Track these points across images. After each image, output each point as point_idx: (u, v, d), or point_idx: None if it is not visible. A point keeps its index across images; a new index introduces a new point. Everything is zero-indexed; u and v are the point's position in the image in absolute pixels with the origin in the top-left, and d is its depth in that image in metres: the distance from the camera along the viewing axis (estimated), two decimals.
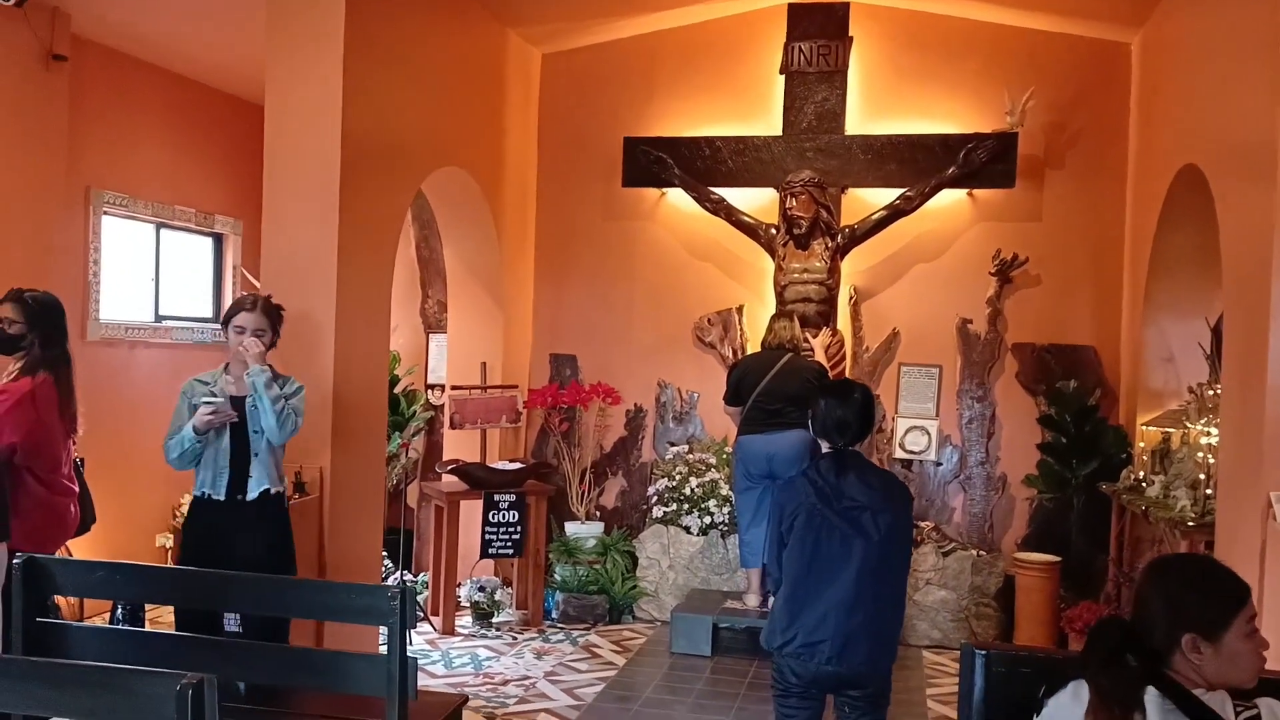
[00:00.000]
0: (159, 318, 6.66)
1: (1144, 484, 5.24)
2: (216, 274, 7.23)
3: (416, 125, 5.25)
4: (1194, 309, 5.60)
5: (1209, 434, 4.68)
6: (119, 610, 4.85)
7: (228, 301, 7.19)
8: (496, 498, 5.81)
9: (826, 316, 6.21)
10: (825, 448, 3.10)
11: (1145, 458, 5.42)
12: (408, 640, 2.68)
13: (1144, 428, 5.55)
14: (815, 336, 6.12)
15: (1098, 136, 6.31)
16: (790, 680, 2.99)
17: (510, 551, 5.86)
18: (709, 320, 6.78)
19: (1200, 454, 4.47)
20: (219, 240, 7.19)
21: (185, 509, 6.46)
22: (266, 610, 3.07)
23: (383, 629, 4.69)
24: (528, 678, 5.07)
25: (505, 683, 4.98)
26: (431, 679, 4.97)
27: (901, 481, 3.17)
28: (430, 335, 7.22)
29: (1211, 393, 4.92)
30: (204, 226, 6.93)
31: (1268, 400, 3.58)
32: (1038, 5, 6.06)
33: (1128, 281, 6.20)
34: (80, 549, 5.92)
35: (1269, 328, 3.60)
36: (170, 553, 6.53)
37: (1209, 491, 4.31)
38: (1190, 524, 4.22)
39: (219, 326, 6.98)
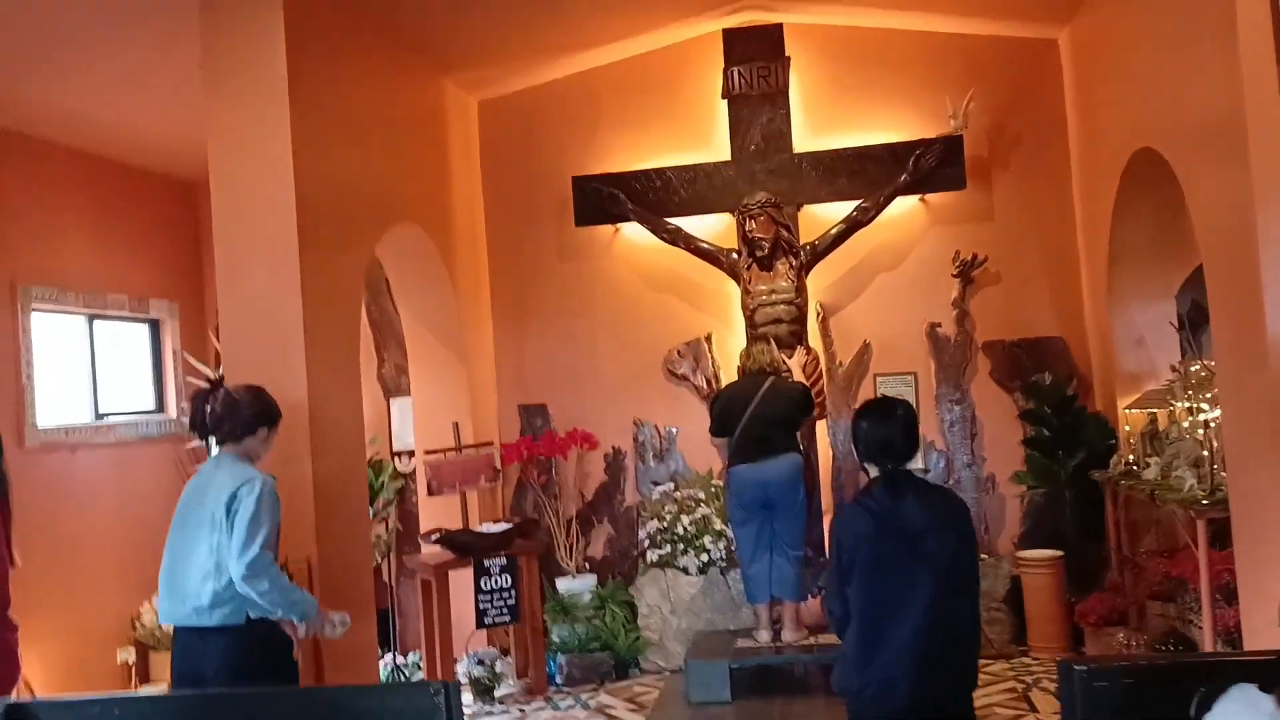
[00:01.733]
0: (99, 415, 6.26)
1: (1137, 468, 5.24)
2: (155, 362, 6.85)
3: (367, 183, 5.04)
4: (1158, 290, 5.67)
5: (1201, 410, 4.69)
6: None
7: (171, 391, 6.82)
8: (487, 563, 5.54)
9: (799, 336, 6.13)
10: (874, 473, 2.96)
11: (1133, 441, 5.43)
12: None
13: (1126, 411, 5.56)
14: (790, 357, 6.03)
15: (1038, 133, 6.39)
16: None
17: (507, 618, 5.60)
18: (678, 352, 6.65)
19: (1199, 431, 4.46)
20: (155, 326, 6.82)
21: (148, 620, 6.10)
22: None
23: None
24: None
25: None
26: None
27: (959, 497, 3.04)
28: (390, 400, 6.94)
29: (1195, 368, 4.95)
30: (138, 313, 6.57)
31: (1271, 373, 3.56)
32: (963, 9, 6.14)
33: (1085, 269, 6.26)
34: (35, 674, 5.49)
35: (1265, 302, 3.59)
36: (134, 668, 6.10)
37: (1215, 469, 4.29)
38: (1205, 503, 4.20)
39: (169, 417, 6.66)
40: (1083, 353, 6.28)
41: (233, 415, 3.33)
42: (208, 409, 3.36)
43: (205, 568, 3.21)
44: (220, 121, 4.24)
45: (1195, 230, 4.17)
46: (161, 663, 6.15)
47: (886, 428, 2.91)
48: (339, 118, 4.75)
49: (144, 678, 6.18)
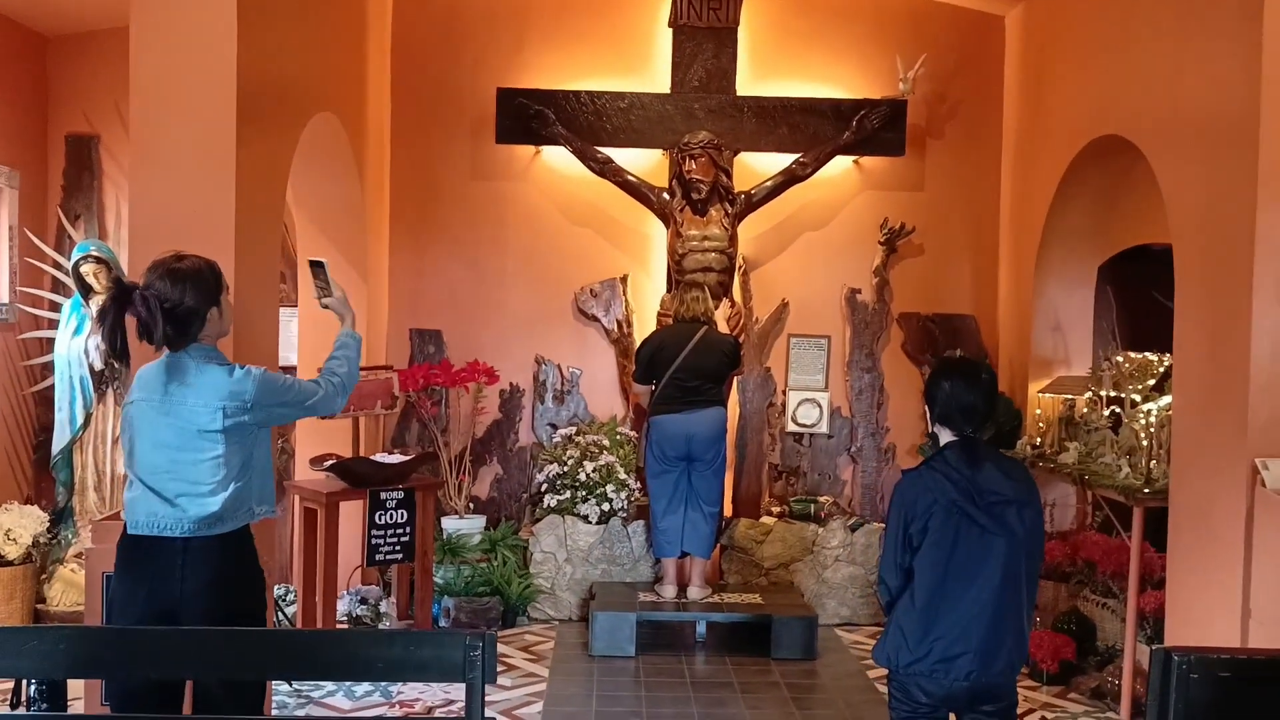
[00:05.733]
0: None
1: (1048, 451, 5.36)
2: None
3: (299, 61, 4.39)
4: (1080, 277, 5.79)
5: (1133, 401, 4.81)
6: (30, 688, 3.71)
7: (4, 271, 5.87)
8: (383, 495, 5.07)
9: (727, 287, 5.92)
10: (946, 437, 2.78)
11: (1042, 425, 5.55)
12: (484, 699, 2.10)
13: (1040, 395, 5.68)
14: (716, 309, 5.81)
15: (974, 108, 6.39)
16: (919, 701, 2.68)
17: (400, 556, 5.14)
18: (591, 291, 6.30)
19: (1139, 420, 4.56)
20: None
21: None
22: (289, 674, 2.33)
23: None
24: (450, 701, 4.46)
25: (429, 711, 4.35)
26: (342, 715, 4.26)
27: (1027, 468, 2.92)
28: None
29: (1119, 359, 5.07)
30: None
31: (1252, 370, 3.63)
32: None
33: (1006, 251, 6.33)
34: None
35: (1251, 301, 3.65)
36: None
37: (1154, 461, 4.39)
38: (1146, 492, 4.29)
39: (2, 301, 5.73)
40: (991, 333, 6.38)
41: (173, 317, 2.65)
42: (133, 322, 2.64)
43: (213, 479, 2.72)
44: None
45: (1168, 220, 4.19)
46: None
47: (972, 391, 2.74)
48: None
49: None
